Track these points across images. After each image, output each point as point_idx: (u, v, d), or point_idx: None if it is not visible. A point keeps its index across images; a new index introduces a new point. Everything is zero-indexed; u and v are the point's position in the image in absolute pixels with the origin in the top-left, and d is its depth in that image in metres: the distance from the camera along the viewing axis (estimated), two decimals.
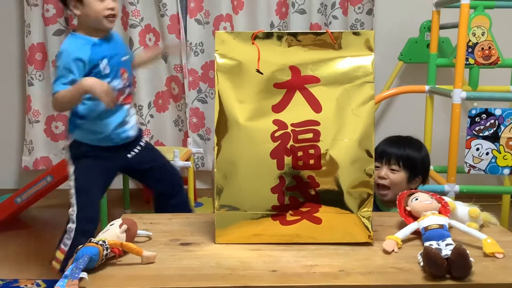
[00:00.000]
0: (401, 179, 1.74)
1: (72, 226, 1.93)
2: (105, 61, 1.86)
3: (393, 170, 1.74)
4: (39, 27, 3.24)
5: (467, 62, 2.51)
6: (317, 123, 1.23)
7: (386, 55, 3.25)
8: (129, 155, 2.02)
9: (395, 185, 1.73)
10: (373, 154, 1.24)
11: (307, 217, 1.25)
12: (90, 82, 1.76)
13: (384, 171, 1.74)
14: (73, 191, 1.93)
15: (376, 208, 1.76)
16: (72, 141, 1.95)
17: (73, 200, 1.93)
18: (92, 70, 1.85)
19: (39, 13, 3.23)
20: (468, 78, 2.68)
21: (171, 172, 2.15)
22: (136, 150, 2.04)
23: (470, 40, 2.50)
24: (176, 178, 2.15)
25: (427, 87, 2.81)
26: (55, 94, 1.82)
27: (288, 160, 1.22)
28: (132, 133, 2.01)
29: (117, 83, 1.91)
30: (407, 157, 1.75)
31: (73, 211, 1.92)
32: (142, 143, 2.08)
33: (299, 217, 1.25)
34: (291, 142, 1.22)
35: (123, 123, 1.96)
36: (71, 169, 1.95)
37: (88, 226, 1.89)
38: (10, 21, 3.37)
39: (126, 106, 1.98)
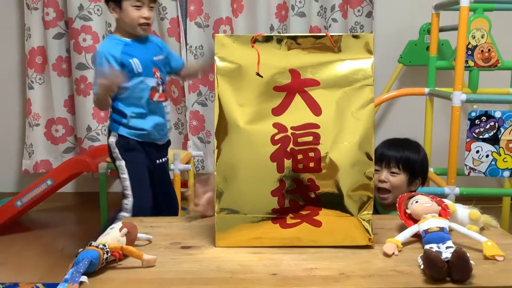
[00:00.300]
0: (401, 182, 1.74)
1: (126, 215, 2.00)
2: (136, 60, 1.98)
3: (393, 173, 1.74)
4: (39, 31, 3.25)
5: (467, 65, 2.52)
6: (317, 126, 1.23)
7: (386, 58, 3.25)
8: (158, 161, 2.14)
9: (396, 188, 1.73)
10: (373, 157, 1.24)
11: (307, 220, 1.25)
12: (99, 81, 1.90)
13: (384, 174, 1.73)
14: (127, 183, 2.02)
15: (375, 211, 1.76)
16: (118, 137, 2.04)
17: (129, 191, 2.02)
18: (126, 69, 1.96)
19: (39, 17, 3.24)
20: (468, 80, 2.68)
21: (173, 198, 2.27)
22: (163, 160, 2.18)
23: (469, 43, 2.51)
24: (175, 206, 2.27)
25: (427, 90, 2.81)
26: (95, 95, 1.99)
27: (288, 163, 1.22)
28: (168, 133, 2.14)
29: (151, 81, 2.02)
30: (406, 159, 1.75)
31: (128, 201, 2.01)
32: (167, 157, 2.22)
33: (299, 220, 1.25)
34: (291, 145, 1.22)
35: (162, 120, 2.08)
36: (121, 163, 2.04)
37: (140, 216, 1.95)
38: (10, 25, 3.38)
39: (163, 104, 2.08)
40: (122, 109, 2.01)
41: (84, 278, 1.02)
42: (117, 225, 1.21)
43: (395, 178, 1.73)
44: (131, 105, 2.00)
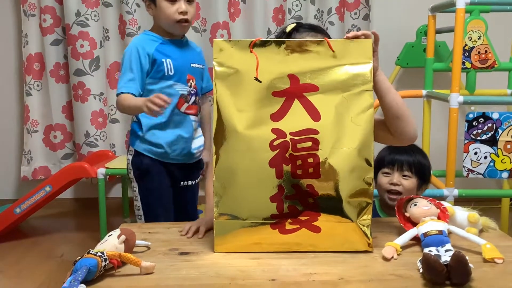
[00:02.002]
0: (413, 185, 1.74)
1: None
2: (169, 61, 1.76)
3: (405, 176, 1.73)
4: (37, 37, 3.25)
5: (464, 66, 2.52)
6: (316, 131, 1.23)
7: (383, 60, 3.21)
8: (181, 183, 1.90)
9: (407, 192, 1.71)
10: (372, 163, 1.23)
11: (306, 226, 1.24)
12: (141, 102, 1.62)
13: (396, 177, 1.72)
14: (141, 212, 1.84)
15: (376, 214, 1.76)
16: (134, 155, 1.82)
17: (142, 220, 1.84)
18: (156, 68, 1.75)
19: (37, 23, 3.24)
20: (465, 82, 2.69)
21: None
22: (187, 183, 1.92)
23: (466, 44, 2.51)
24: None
25: (424, 92, 2.82)
26: (118, 95, 1.74)
27: (287, 168, 1.22)
28: (196, 153, 1.87)
29: (181, 88, 1.79)
30: (419, 163, 1.75)
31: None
32: (197, 180, 1.96)
33: (298, 226, 1.25)
34: (290, 151, 1.22)
35: (186, 136, 1.82)
36: (135, 187, 1.84)
37: None
38: (8, 31, 3.38)
39: (191, 118, 1.83)
40: (140, 117, 1.78)
41: (82, 287, 1.02)
42: (115, 232, 1.21)
43: (407, 181, 1.73)
44: (152, 118, 1.71)
